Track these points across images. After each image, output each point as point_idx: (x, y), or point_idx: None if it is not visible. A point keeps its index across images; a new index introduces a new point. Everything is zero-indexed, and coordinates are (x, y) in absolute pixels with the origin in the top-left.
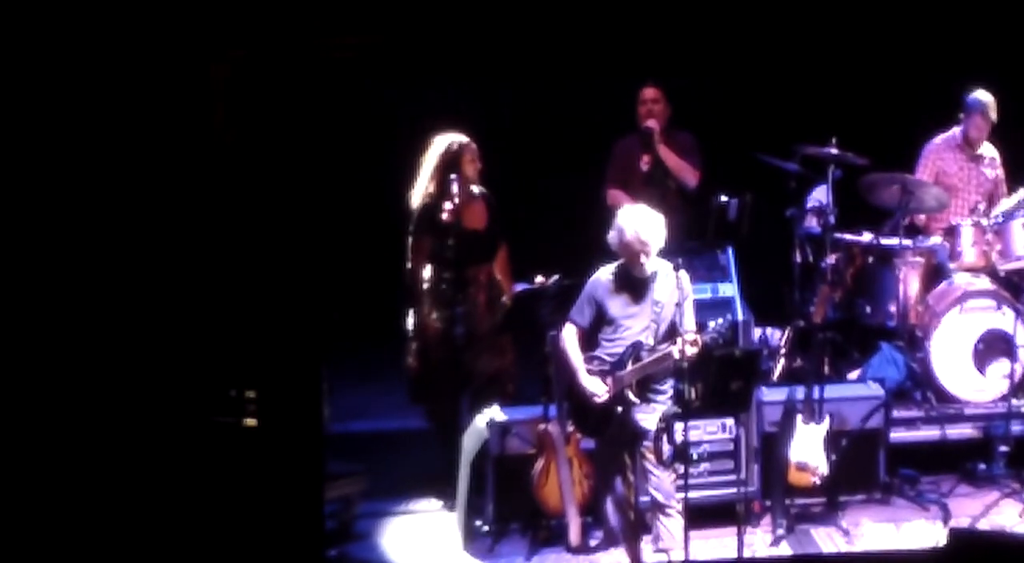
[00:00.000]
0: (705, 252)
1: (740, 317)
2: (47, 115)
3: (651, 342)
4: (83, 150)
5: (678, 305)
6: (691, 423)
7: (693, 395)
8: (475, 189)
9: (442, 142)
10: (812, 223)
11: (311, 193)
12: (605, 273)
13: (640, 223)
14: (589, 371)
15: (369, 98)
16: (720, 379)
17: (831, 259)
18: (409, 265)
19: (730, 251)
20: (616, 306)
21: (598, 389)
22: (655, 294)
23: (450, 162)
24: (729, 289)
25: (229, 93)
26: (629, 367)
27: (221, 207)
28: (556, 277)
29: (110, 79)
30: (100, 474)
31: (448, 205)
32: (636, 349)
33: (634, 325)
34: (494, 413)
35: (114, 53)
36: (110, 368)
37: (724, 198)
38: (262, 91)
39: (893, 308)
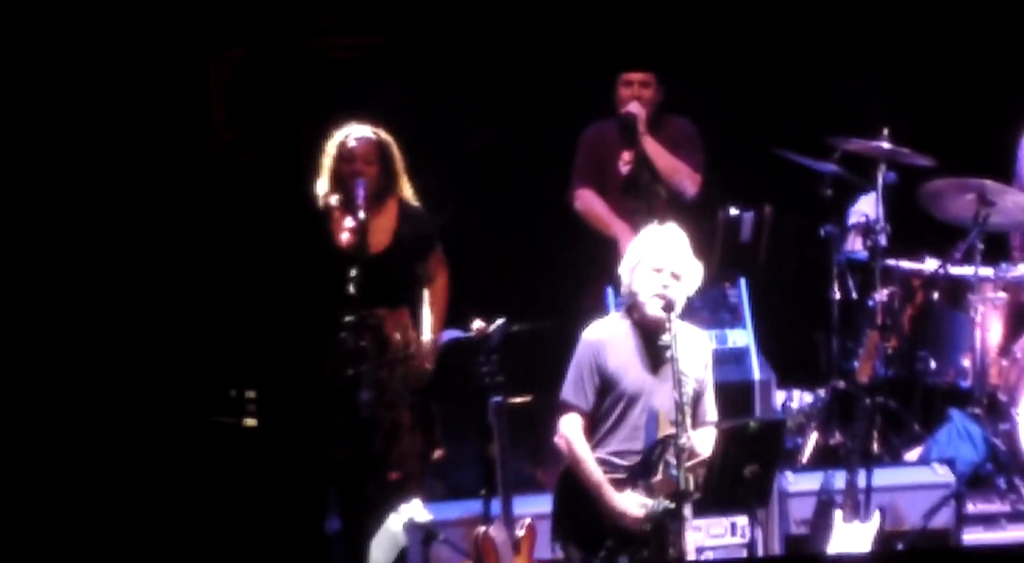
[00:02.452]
0: (709, 286)
1: (756, 376)
2: (46, 115)
3: (686, 431)
4: (83, 150)
5: (703, 382)
6: (690, 523)
7: (691, 484)
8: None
9: (332, 139)
10: (856, 245)
11: (312, 192)
12: (603, 331)
13: (669, 246)
14: None
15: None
16: (729, 461)
17: (882, 295)
18: None
19: (743, 284)
20: (629, 375)
21: (633, 508)
22: (680, 363)
23: (335, 165)
24: (741, 337)
25: (229, 93)
26: (659, 475)
27: (221, 206)
28: (500, 322)
29: (108, 78)
30: (100, 474)
31: (349, 222)
32: (665, 447)
33: (655, 403)
34: (415, 511)
35: (113, 52)
36: (110, 368)
37: (735, 211)
38: (262, 91)
39: (967, 362)
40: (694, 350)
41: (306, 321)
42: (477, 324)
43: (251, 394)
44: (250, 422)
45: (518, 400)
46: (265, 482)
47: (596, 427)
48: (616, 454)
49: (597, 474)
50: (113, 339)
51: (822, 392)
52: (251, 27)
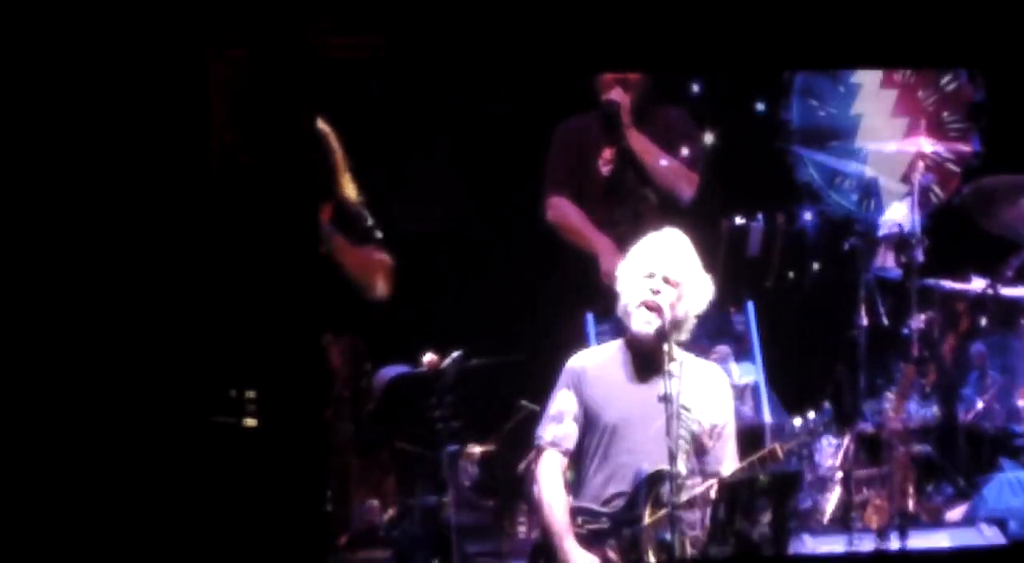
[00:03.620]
0: (710, 310)
1: (767, 418)
2: (45, 115)
3: (682, 468)
4: (83, 150)
5: (716, 427)
6: None
7: (687, 546)
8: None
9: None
10: (887, 261)
11: (312, 192)
12: (588, 357)
13: (663, 247)
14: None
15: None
16: (734, 520)
17: (919, 321)
18: None
19: (751, 309)
20: (614, 406)
21: None
22: (682, 397)
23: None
24: (749, 372)
25: (229, 93)
26: (647, 517)
27: (222, 206)
28: (456, 355)
29: (108, 78)
30: (99, 475)
31: None
32: (654, 485)
33: (644, 439)
34: None
35: (113, 52)
36: (110, 368)
37: (741, 220)
38: (262, 91)
39: (1021, 402)
40: (704, 386)
41: (305, 321)
42: (428, 357)
43: (251, 394)
44: (250, 422)
45: (479, 449)
46: (265, 483)
47: (579, 471)
48: (600, 501)
49: (559, 522)
50: (113, 339)
51: (826, 404)
52: (251, 27)
